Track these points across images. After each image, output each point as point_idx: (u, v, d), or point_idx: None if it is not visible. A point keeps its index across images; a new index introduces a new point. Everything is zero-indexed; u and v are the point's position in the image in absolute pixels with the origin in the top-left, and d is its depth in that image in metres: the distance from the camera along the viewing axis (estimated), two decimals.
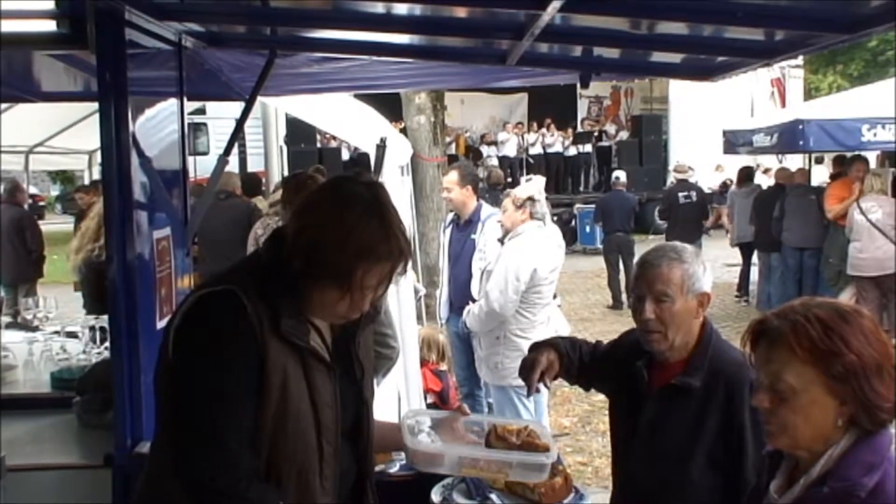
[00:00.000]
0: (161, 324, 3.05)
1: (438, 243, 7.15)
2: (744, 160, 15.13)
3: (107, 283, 2.91)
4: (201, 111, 16.83)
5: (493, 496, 2.62)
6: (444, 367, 6.40)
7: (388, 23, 3.34)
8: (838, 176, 11.20)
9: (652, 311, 2.49)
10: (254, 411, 1.89)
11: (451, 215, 6.65)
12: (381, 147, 5.55)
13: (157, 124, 3.30)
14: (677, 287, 2.48)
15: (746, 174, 13.37)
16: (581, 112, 25.14)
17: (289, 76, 4.38)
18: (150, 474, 2.07)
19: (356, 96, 6.41)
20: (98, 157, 10.15)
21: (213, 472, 1.86)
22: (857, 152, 10.85)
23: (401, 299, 5.35)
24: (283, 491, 1.95)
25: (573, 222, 20.24)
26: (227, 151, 4.27)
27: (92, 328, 4.02)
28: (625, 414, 2.69)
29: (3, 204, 9.88)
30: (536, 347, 2.88)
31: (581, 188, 23.37)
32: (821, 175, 14.66)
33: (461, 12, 3.19)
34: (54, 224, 22.94)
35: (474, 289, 5.87)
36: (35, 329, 4.40)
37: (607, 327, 11.70)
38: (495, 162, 21.71)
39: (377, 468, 2.39)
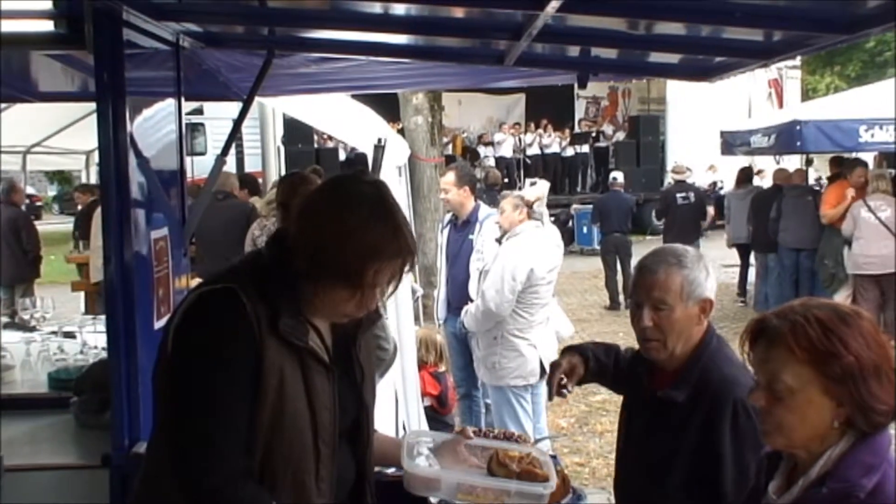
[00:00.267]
0: (159, 324, 3.04)
1: (436, 244, 7.16)
2: (741, 161, 15.13)
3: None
4: (199, 111, 16.81)
5: None
6: (442, 368, 6.39)
7: (385, 23, 3.34)
8: (836, 177, 11.21)
9: (650, 319, 2.41)
10: (249, 411, 1.88)
11: (448, 216, 6.65)
12: (380, 147, 5.54)
13: (154, 124, 3.30)
14: (676, 294, 2.39)
15: (745, 175, 13.39)
16: (578, 112, 25.15)
17: (286, 76, 4.38)
18: (146, 473, 2.07)
19: (354, 97, 6.41)
20: (95, 158, 10.17)
21: (206, 471, 1.85)
22: (855, 155, 10.86)
23: (398, 300, 5.35)
24: (278, 492, 1.94)
25: (570, 223, 20.24)
26: (225, 152, 4.27)
27: None
28: (624, 419, 2.67)
29: (0, 204, 9.87)
30: (563, 353, 2.80)
31: (578, 189, 23.38)
32: (811, 176, 14.66)
33: (459, 12, 3.19)
34: (51, 224, 22.94)
35: (472, 289, 5.87)
36: (32, 329, 4.40)
37: (604, 328, 11.71)
38: (493, 162, 21.72)
39: (375, 468, 2.38)
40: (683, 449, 2.36)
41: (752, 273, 12.78)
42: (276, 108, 9.55)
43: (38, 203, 30.10)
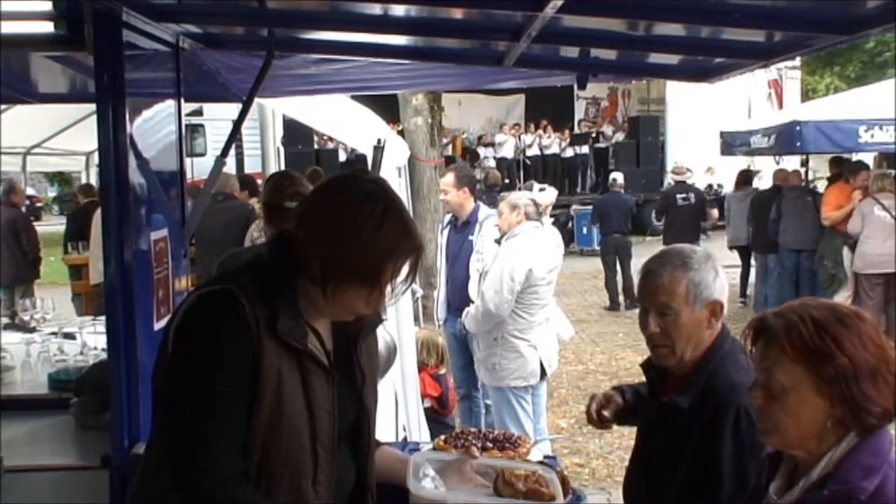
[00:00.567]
0: (158, 325, 3.04)
1: (436, 244, 7.16)
2: (739, 162, 15.15)
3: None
4: (198, 112, 16.80)
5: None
6: (443, 370, 6.39)
7: (385, 24, 3.34)
8: (836, 178, 11.21)
9: (656, 325, 2.32)
10: (247, 412, 1.88)
11: (448, 216, 6.65)
12: (379, 148, 5.54)
13: (154, 126, 3.30)
14: (682, 298, 2.29)
15: (745, 177, 13.39)
16: (578, 113, 25.15)
17: (286, 77, 4.38)
18: (144, 474, 2.07)
19: (353, 98, 6.41)
20: (95, 159, 10.17)
21: (204, 471, 1.85)
22: (857, 157, 10.85)
23: (398, 301, 5.34)
24: (275, 494, 1.94)
25: (570, 224, 20.25)
26: (225, 153, 4.27)
27: None
28: (639, 423, 2.63)
29: (0, 205, 9.88)
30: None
31: (578, 189, 23.37)
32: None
33: (458, 13, 3.19)
34: (52, 226, 22.91)
35: (472, 290, 5.87)
36: (32, 330, 4.40)
37: (604, 328, 11.72)
38: (493, 163, 21.72)
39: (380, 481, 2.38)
40: (685, 454, 2.29)
41: (752, 274, 12.78)
42: (275, 109, 9.54)
43: (39, 204, 30.12)
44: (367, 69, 4.26)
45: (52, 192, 35.97)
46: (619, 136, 24.11)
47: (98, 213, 5.70)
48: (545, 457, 3.05)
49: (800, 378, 1.73)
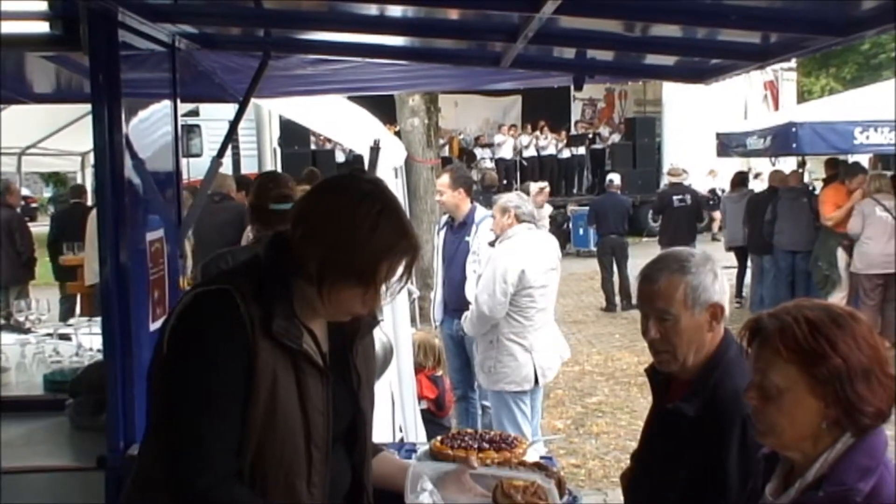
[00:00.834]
0: (154, 326, 3.04)
1: (432, 245, 7.15)
2: (737, 163, 15.17)
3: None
4: (195, 113, 16.76)
5: None
6: (439, 372, 6.39)
7: (381, 25, 3.34)
8: (831, 179, 11.22)
9: (656, 331, 2.30)
10: (241, 412, 1.88)
11: (445, 217, 6.65)
12: (375, 149, 5.54)
13: (150, 126, 3.30)
14: (680, 303, 2.27)
15: (740, 179, 13.40)
16: (575, 114, 25.20)
17: (282, 78, 4.38)
18: (138, 474, 2.07)
19: (350, 98, 6.41)
20: (91, 159, 10.14)
21: (198, 471, 1.85)
22: (853, 159, 10.87)
23: (394, 302, 5.35)
24: (269, 495, 1.94)
25: (567, 225, 20.27)
26: (221, 153, 4.27)
27: None
28: (644, 429, 2.60)
29: None
30: None
31: (575, 191, 23.40)
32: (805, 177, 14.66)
33: (455, 14, 3.19)
34: (47, 226, 22.83)
35: (468, 291, 5.87)
36: (27, 331, 4.39)
37: (600, 329, 11.72)
38: (490, 164, 21.73)
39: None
40: (689, 464, 2.25)
41: (748, 275, 12.79)
42: (272, 109, 9.56)
43: (34, 205, 30.04)
44: (364, 70, 4.26)
45: (47, 193, 35.88)
46: (616, 138, 24.16)
47: (93, 213, 5.69)
48: (541, 457, 3.05)
49: (794, 379, 1.73)
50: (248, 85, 3.99)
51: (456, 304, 6.10)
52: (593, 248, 15.41)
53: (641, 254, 12.03)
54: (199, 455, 1.85)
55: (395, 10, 3.19)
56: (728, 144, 13.25)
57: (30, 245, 10.13)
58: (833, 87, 26.57)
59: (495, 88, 10.01)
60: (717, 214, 13.50)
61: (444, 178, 6.33)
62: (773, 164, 14.51)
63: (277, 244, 2.01)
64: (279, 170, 14.81)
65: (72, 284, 9.91)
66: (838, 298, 9.39)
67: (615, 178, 14.29)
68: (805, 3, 2.68)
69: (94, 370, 3.37)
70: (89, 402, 3.25)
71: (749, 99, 22.44)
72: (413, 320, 7.32)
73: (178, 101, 3.58)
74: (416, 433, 5.64)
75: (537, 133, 23.28)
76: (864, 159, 12.93)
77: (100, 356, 3.41)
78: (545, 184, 12.03)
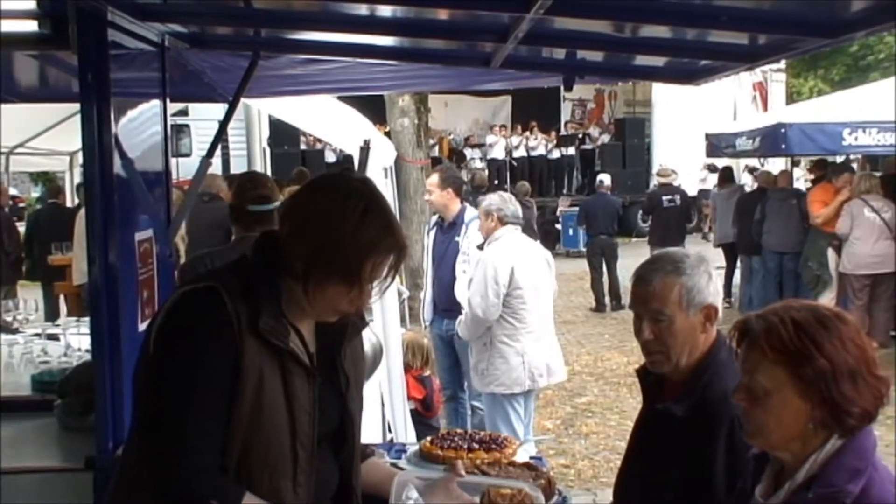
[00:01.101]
0: (143, 326, 3.03)
1: (422, 245, 7.15)
2: (728, 164, 15.17)
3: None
4: (184, 112, 16.73)
5: None
6: (427, 372, 6.39)
7: (371, 25, 3.34)
8: (819, 180, 11.27)
9: (650, 332, 2.30)
10: (226, 410, 1.89)
11: (434, 217, 6.65)
12: (365, 149, 5.53)
13: (139, 126, 3.28)
14: (674, 304, 2.26)
15: (727, 174, 13.43)
16: (565, 115, 25.23)
17: (272, 78, 4.37)
18: (122, 474, 2.06)
19: (340, 98, 6.40)
20: (80, 159, 10.10)
21: (179, 463, 1.85)
22: (841, 159, 10.91)
23: (384, 302, 5.34)
24: (255, 493, 1.93)
25: (557, 225, 20.30)
26: (210, 153, 4.25)
27: None
28: (633, 430, 2.60)
29: None
30: None
31: (564, 191, 23.42)
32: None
33: (445, 14, 3.19)
34: None
35: (458, 291, 5.87)
36: (15, 331, 4.37)
37: (590, 330, 11.74)
38: (480, 164, 21.74)
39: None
40: (677, 465, 2.26)
41: (737, 275, 12.83)
42: (261, 109, 9.53)
43: (21, 205, 29.85)
44: (354, 70, 4.25)
45: (35, 193, 35.70)
46: (606, 138, 24.20)
47: (82, 213, 5.67)
48: (531, 458, 3.06)
49: (781, 380, 1.73)
50: (237, 85, 3.98)
51: (445, 304, 6.10)
52: (583, 249, 15.44)
53: (631, 254, 12.08)
54: (183, 448, 1.85)
55: (385, 11, 3.19)
56: (717, 145, 13.30)
57: (18, 245, 10.10)
58: (822, 89, 26.71)
59: (485, 89, 10.02)
60: (710, 203, 13.50)
61: (434, 178, 6.33)
62: (762, 165, 14.58)
63: (266, 243, 2.02)
64: (269, 170, 14.81)
65: (60, 284, 9.87)
66: (828, 299, 9.43)
67: (605, 178, 14.32)
68: (794, 4, 2.69)
69: (82, 371, 3.35)
70: (78, 402, 3.24)
71: (738, 100, 22.49)
72: (403, 320, 7.31)
73: (168, 100, 3.57)
74: (406, 433, 5.64)
75: (527, 133, 23.31)
76: (856, 163, 12.99)
77: (88, 356, 3.40)
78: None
